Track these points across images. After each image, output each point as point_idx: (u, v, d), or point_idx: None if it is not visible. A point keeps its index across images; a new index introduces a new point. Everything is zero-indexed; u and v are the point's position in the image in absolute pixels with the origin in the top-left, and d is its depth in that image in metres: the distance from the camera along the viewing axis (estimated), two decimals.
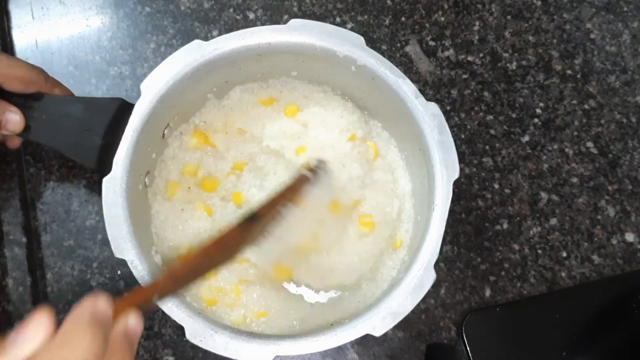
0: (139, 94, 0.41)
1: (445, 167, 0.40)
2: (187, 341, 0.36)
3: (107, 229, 0.38)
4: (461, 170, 0.50)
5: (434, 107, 0.41)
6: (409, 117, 0.41)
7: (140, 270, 0.37)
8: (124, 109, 0.41)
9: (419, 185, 0.44)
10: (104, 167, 0.39)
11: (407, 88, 0.41)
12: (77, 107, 0.42)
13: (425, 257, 0.38)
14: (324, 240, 0.44)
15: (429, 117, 0.41)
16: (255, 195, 0.44)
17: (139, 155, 0.40)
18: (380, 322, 0.37)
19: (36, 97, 0.42)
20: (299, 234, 0.43)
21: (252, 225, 0.35)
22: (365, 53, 0.41)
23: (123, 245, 0.38)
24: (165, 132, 0.44)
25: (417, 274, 0.38)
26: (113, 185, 0.39)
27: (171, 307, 0.37)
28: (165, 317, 0.37)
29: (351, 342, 0.37)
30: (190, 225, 0.44)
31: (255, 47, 0.42)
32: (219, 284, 0.43)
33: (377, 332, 0.37)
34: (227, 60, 0.42)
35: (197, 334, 0.36)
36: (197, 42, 0.41)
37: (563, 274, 0.49)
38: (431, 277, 0.38)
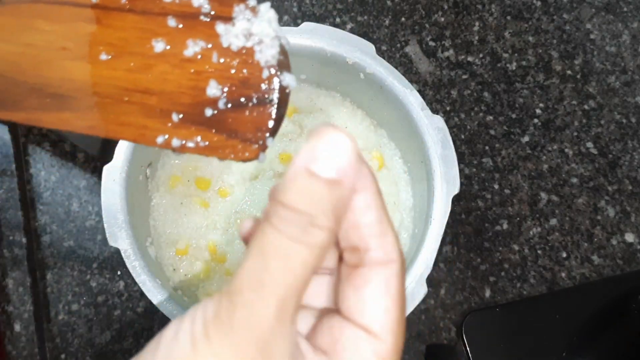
0: None
1: (446, 182, 0.40)
2: None
3: (104, 216, 0.38)
4: (461, 170, 0.50)
5: (439, 121, 0.41)
6: (414, 129, 0.41)
7: (132, 260, 0.38)
8: None
9: (419, 199, 0.44)
10: (107, 155, 0.40)
11: (413, 99, 0.41)
12: None
13: (418, 270, 0.38)
14: None
15: (434, 130, 0.41)
16: (244, 194, 0.44)
17: (141, 146, 0.40)
18: None
19: None
20: None
21: None
22: (374, 61, 0.42)
23: (118, 233, 0.38)
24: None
25: (408, 287, 0.38)
26: (113, 173, 0.39)
27: (161, 300, 0.37)
28: (165, 318, 0.37)
29: None
30: (189, 219, 0.44)
31: None
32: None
33: None
34: None
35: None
36: None
37: (563, 275, 0.49)
38: (422, 291, 0.38)
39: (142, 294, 0.38)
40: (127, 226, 0.38)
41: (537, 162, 0.52)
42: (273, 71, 0.23)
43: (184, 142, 0.24)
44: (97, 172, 0.49)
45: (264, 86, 0.23)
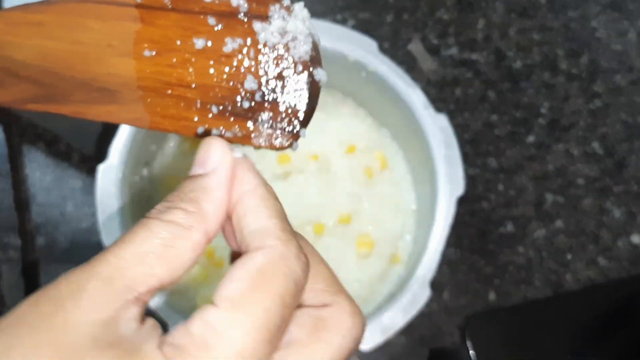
0: None
1: (450, 183, 0.39)
2: None
3: (99, 217, 0.37)
4: (465, 171, 0.49)
5: (442, 120, 0.40)
6: (416, 128, 0.40)
7: None
8: None
9: (423, 200, 0.43)
10: (102, 154, 0.39)
11: (416, 98, 0.40)
12: None
13: (422, 273, 0.38)
14: None
15: (437, 129, 0.40)
16: None
17: (137, 145, 0.40)
18: (369, 336, 0.36)
19: None
20: None
21: None
22: (376, 59, 0.41)
23: (115, 236, 0.37)
24: None
25: (411, 290, 0.37)
26: (109, 173, 0.38)
27: (158, 303, 0.36)
28: (162, 322, 0.36)
29: None
30: None
31: None
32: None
33: (366, 346, 0.36)
34: None
35: None
36: None
37: (568, 277, 0.48)
38: (425, 294, 0.37)
39: None
40: (125, 228, 0.38)
41: (542, 163, 0.51)
42: (306, 66, 0.25)
43: (222, 132, 0.26)
44: (93, 173, 0.48)
45: (297, 80, 0.25)
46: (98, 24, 0.27)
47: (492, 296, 0.48)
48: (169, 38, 0.26)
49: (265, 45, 0.25)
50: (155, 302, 0.37)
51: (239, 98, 0.26)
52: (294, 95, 0.25)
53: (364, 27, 0.53)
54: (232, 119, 0.26)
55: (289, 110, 0.26)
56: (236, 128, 0.25)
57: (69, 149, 0.49)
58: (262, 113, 0.26)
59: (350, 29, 0.42)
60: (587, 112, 0.52)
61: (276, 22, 0.25)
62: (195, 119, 0.26)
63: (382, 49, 0.41)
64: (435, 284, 0.47)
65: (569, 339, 0.46)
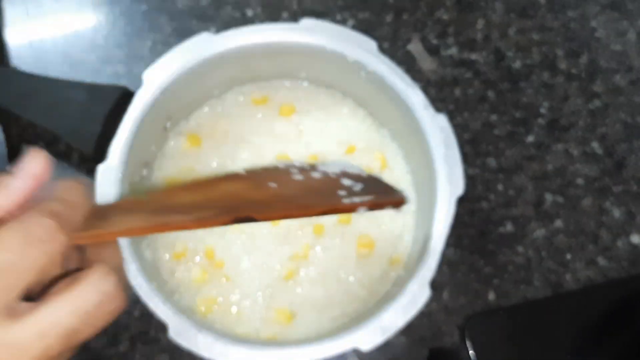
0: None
1: (449, 183, 0.39)
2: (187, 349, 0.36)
3: None
4: (464, 171, 0.49)
5: (442, 120, 0.40)
6: (416, 129, 0.40)
7: (128, 262, 0.36)
8: (126, 97, 0.40)
9: (423, 200, 0.43)
10: (102, 154, 0.39)
11: (416, 98, 0.40)
12: (80, 92, 0.43)
13: (422, 274, 0.37)
14: (315, 266, 0.42)
15: (437, 129, 0.40)
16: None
17: (137, 146, 0.39)
18: (368, 336, 0.36)
19: (39, 80, 0.44)
20: (278, 262, 0.42)
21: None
22: (376, 59, 0.40)
23: None
24: (168, 125, 0.44)
25: (411, 290, 0.37)
26: (108, 174, 0.38)
27: (157, 303, 0.36)
28: (162, 322, 0.36)
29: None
30: None
31: (265, 45, 0.41)
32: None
33: (365, 347, 0.36)
34: (235, 56, 0.41)
35: (181, 332, 0.35)
36: (205, 35, 0.40)
37: (568, 277, 0.48)
38: (425, 294, 0.37)
39: (138, 298, 0.37)
40: None
41: (541, 163, 0.51)
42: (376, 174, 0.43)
43: (355, 200, 0.35)
44: (93, 173, 0.48)
45: (377, 176, 0.42)
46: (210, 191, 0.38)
47: (491, 296, 0.48)
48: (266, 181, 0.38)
49: (326, 173, 0.39)
50: (153, 303, 0.36)
51: (348, 188, 0.37)
52: (383, 182, 0.40)
53: (363, 27, 0.53)
54: (354, 196, 0.36)
55: (388, 189, 0.39)
56: (361, 198, 0.36)
57: (68, 149, 0.49)
58: (368, 192, 0.37)
59: (350, 29, 0.42)
60: (586, 112, 0.52)
61: (338, 164, 0.41)
62: (333, 197, 0.36)
63: (382, 49, 0.41)
64: (435, 284, 0.47)
65: (568, 339, 0.46)
